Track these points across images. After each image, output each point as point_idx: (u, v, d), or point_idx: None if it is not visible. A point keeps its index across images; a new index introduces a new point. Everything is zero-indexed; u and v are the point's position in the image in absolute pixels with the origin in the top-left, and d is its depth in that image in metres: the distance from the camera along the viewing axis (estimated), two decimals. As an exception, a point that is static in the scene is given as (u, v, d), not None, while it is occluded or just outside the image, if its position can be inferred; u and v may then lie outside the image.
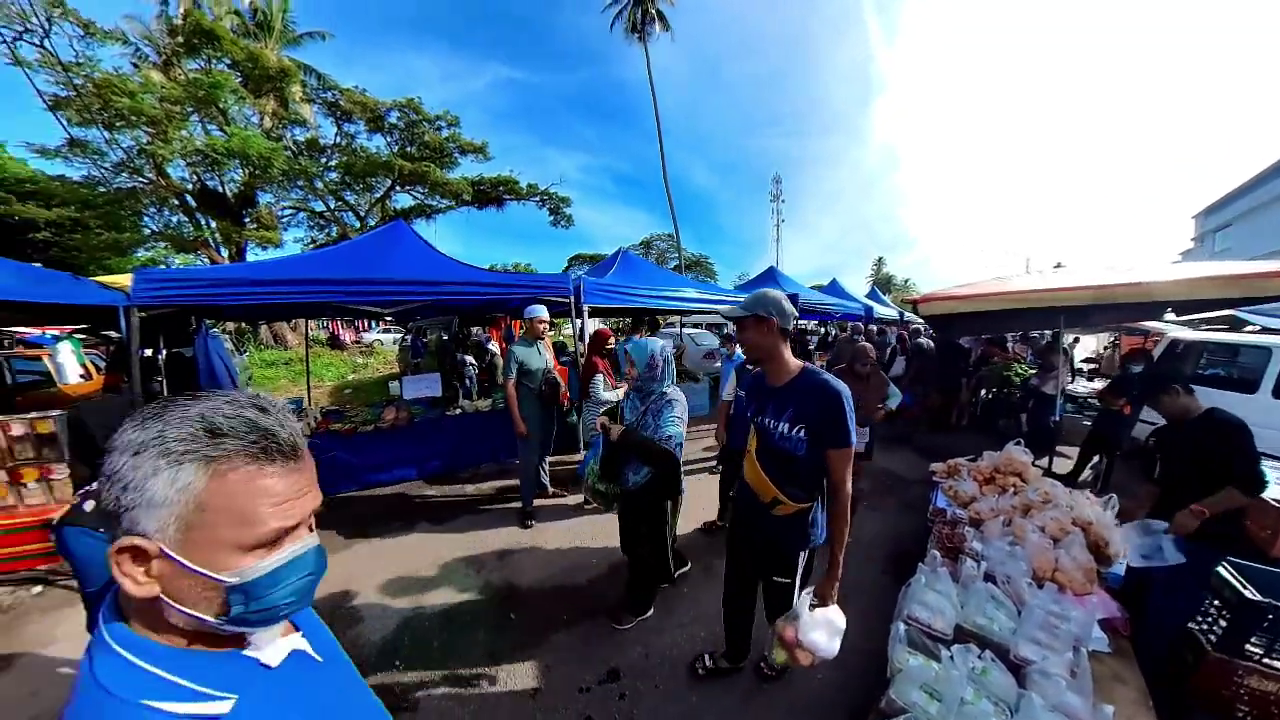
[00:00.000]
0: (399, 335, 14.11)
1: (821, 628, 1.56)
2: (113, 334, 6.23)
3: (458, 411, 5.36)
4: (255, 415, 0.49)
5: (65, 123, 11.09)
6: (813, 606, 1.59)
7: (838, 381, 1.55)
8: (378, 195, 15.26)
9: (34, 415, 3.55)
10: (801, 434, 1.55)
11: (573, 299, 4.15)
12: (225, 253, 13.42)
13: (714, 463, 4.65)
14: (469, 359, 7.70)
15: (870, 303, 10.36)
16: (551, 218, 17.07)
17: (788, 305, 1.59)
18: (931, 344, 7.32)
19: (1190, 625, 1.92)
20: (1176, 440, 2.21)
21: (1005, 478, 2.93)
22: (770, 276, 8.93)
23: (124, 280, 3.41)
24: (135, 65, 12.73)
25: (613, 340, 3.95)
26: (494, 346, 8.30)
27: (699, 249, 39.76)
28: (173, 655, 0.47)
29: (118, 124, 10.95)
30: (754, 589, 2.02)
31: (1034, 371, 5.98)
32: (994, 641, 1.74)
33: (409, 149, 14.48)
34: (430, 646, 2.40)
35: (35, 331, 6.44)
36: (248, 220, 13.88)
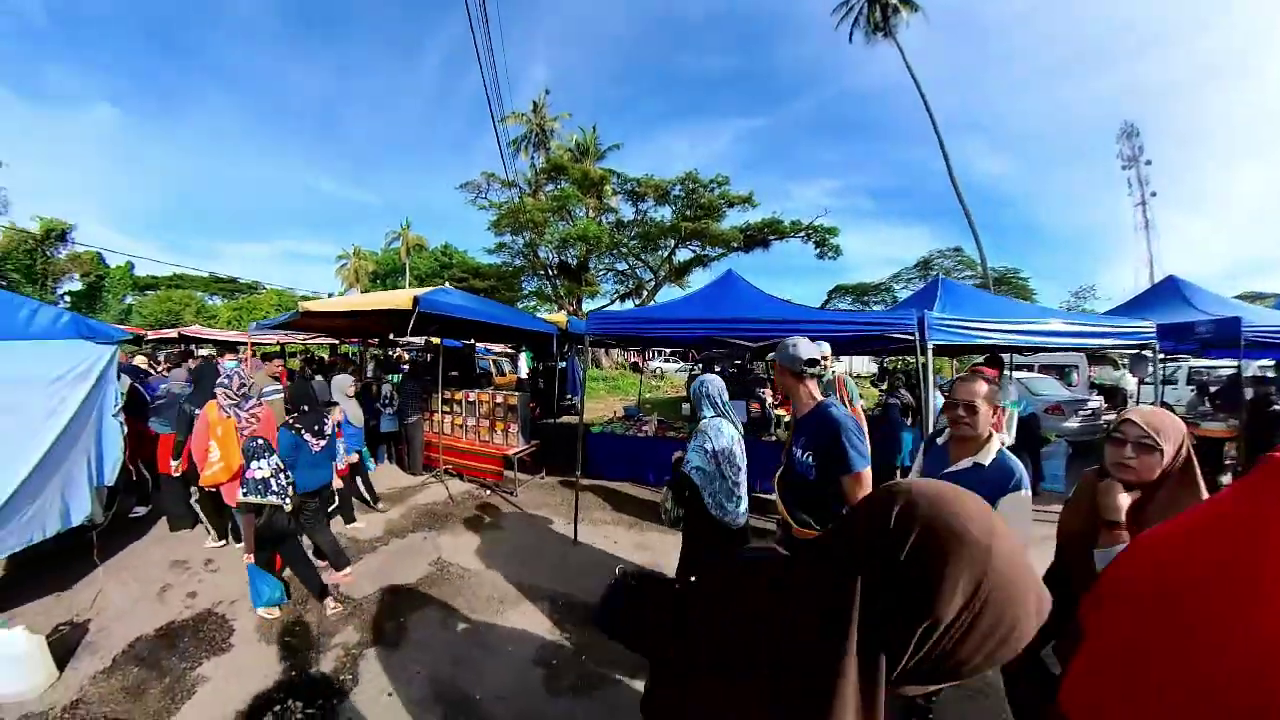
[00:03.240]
0: (679, 365, 16.82)
1: None
2: (511, 348, 11.33)
3: (771, 439, 5.96)
4: None
5: (494, 233, 18.72)
6: None
7: (841, 410, 1.79)
8: (664, 253, 18.58)
9: (506, 392, 6.01)
10: (811, 460, 1.78)
11: (917, 336, 4.01)
12: (570, 303, 19.30)
13: None
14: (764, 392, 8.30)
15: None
16: (817, 250, 16.99)
17: (794, 351, 1.90)
18: None
19: None
20: None
21: None
22: (1169, 288, 6.40)
23: (558, 318, 5.32)
24: (520, 197, 20.31)
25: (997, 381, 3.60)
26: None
27: (1000, 260, 32.19)
28: None
29: (519, 230, 17.59)
30: None
31: None
32: None
33: (687, 212, 17.10)
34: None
35: (481, 345, 11.00)
36: (582, 281, 19.40)
